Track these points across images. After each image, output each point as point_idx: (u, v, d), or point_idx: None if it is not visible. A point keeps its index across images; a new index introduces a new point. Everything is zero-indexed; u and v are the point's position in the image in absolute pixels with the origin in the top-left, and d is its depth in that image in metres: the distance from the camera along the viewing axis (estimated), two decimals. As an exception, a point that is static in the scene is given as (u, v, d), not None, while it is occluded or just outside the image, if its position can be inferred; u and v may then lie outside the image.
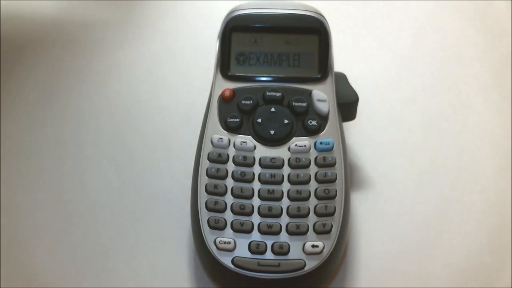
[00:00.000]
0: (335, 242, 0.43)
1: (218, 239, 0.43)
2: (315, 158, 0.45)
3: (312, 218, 0.43)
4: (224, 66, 0.47)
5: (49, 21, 0.58)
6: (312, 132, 0.46)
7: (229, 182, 0.44)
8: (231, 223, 0.43)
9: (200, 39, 0.56)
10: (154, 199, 0.49)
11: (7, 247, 0.48)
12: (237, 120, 0.46)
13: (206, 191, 0.44)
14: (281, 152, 0.45)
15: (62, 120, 0.53)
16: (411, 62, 0.56)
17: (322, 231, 0.43)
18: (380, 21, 0.58)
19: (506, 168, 0.51)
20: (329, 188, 0.44)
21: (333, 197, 0.44)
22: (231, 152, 0.45)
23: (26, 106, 0.54)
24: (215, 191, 0.44)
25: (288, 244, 0.42)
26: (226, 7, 0.49)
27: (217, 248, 0.43)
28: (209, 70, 0.49)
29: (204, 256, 0.43)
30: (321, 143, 0.45)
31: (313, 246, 0.42)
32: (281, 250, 0.42)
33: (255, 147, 0.45)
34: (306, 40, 0.48)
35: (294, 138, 0.46)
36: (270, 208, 0.43)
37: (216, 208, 0.43)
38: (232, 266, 0.42)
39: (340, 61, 0.50)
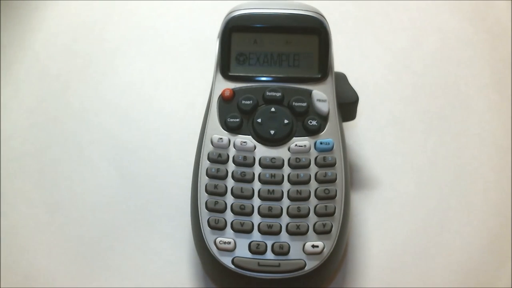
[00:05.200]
0: (335, 242, 0.43)
1: (218, 239, 0.43)
2: (315, 158, 0.45)
3: (312, 218, 0.43)
4: (224, 66, 0.47)
5: (48, 19, 0.58)
6: (312, 132, 0.46)
7: (229, 182, 0.44)
8: (231, 223, 0.43)
9: (200, 39, 0.56)
10: (154, 199, 0.49)
11: (7, 247, 0.48)
12: (237, 120, 0.46)
13: (206, 191, 0.44)
14: (281, 152, 0.45)
15: (62, 120, 0.53)
16: (411, 62, 0.56)
17: (322, 231, 0.43)
18: (380, 21, 0.58)
19: (506, 168, 0.51)
20: (329, 188, 0.44)
21: (333, 197, 0.44)
22: (231, 152, 0.45)
23: (26, 105, 0.54)
24: (215, 191, 0.44)
25: (288, 244, 0.42)
26: (226, 7, 0.49)
27: (217, 248, 0.43)
28: (209, 70, 0.49)
29: (204, 256, 0.43)
30: (321, 143, 0.45)
31: (313, 246, 0.42)
32: (281, 250, 0.42)
33: (255, 147, 0.45)
34: (306, 40, 0.48)
35: (294, 138, 0.46)
36: (270, 208, 0.43)
37: (216, 208, 0.43)
38: (232, 266, 0.42)
39: (340, 61, 0.50)
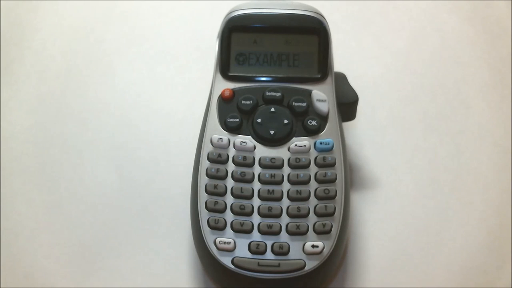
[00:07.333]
0: (335, 242, 0.43)
1: (218, 239, 0.43)
2: (315, 158, 0.45)
3: (312, 218, 0.43)
4: (224, 66, 0.47)
5: (47, 19, 0.58)
6: (312, 132, 0.46)
7: (229, 182, 0.44)
8: (231, 223, 0.43)
9: (200, 39, 0.56)
10: (154, 199, 0.49)
11: (7, 247, 0.48)
12: (237, 120, 0.46)
13: (206, 191, 0.44)
14: (281, 152, 0.45)
15: (62, 120, 0.53)
16: (410, 62, 0.56)
17: (322, 231, 0.43)
18: (380, 21, 0.58)
19: (506, 168, 0.51)
20: (329, 188, 0.44)
21: (333, 197, 0.44)
22: (231, 152, 0.45)
23: (26, 105, 0.54)
24: (215, 191, 0.44)
25: (288, 244, 0.42)
26: (226, 7, 0.49)
27: (217, 248, 0.43)
28: (209, 70, 0.49)
29: (204, 256, 0.43)
30: (321, 143, 0.45)
31: (313, 246, 0.42)
32: (281, 250, 0.42)
33: (255, 147, 0.45)
34: (305, 40, 0.48)
35: (294, 138, 0.46)
36: (270, 208, 0.43)
37: (216, 208, 0.43)
38: (232, 266, 0.42)
39: (340, 61, 0.50)
